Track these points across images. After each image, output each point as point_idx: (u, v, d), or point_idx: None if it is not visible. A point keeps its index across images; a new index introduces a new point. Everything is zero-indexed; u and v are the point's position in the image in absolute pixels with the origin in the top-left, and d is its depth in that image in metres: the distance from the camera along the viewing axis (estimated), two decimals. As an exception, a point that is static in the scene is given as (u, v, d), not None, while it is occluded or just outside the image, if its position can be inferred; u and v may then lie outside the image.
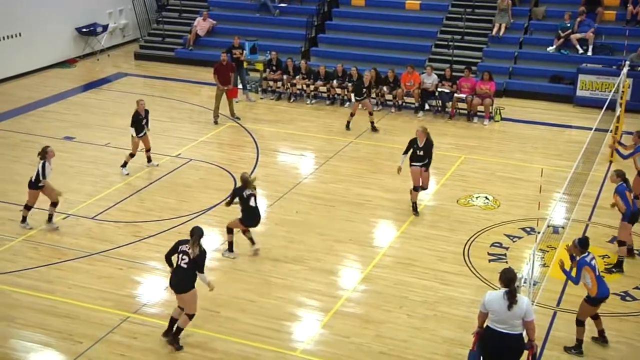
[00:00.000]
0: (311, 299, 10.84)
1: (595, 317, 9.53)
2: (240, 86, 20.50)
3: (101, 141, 16.98)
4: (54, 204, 12.82)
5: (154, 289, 11.06)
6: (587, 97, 19.40)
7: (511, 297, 7.77)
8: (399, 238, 12.64)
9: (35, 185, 12.60)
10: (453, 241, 12.37)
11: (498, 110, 18.85)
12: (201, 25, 24.20)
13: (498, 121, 18.70)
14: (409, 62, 20.15)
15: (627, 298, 10.67)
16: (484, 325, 8.09)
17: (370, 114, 17.88)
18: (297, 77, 20.60)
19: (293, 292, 11.02)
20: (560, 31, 20.99)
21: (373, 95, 19.72)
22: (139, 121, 15.07)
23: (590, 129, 13.80)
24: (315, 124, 18.71)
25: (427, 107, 19.51)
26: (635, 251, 11.94)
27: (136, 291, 11.08)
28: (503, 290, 7.88)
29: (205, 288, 9.63)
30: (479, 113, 18.91)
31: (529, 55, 21.52)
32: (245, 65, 21.10)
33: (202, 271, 9.37)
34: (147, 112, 15.19)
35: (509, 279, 7.85)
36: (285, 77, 20.63)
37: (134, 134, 15.05)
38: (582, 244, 9.34)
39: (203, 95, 20.77)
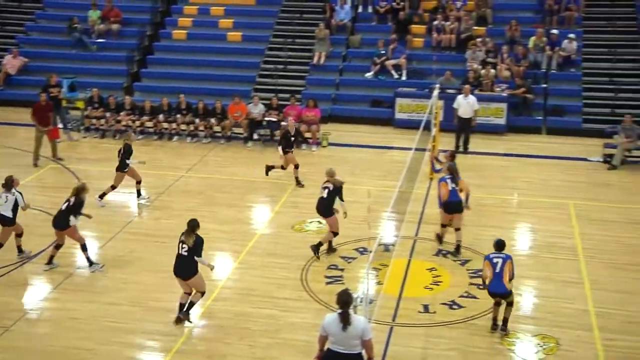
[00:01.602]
0: (151, 340, 10.48)
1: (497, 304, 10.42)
2: (60, 125, 19.59)
3: None
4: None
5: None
6: (405, 119, 20.55)
7: (344, 319, 7.97)
8: (237, 269, 12.59)
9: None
10: (291, 267, 12.51)
11: (325, 136, 19.45)
12: (11, 63, 22.95)
13: (325, 146, 19.29)
14: (235, 93, 20.33)
15: (454, 306, 11.32)
16: (325, 348, 8.24)
17: (297, 167, 16.42)
18: (122, 113, 20.05)
19: (132, 335, 10.59)
20: (376, 58, 22.13)
21: (202, 128, 19.65)
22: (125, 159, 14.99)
23: (410, 149, 14.60)
24: (143, 160, 18.22)
25: (255, 136, 19.72)
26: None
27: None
28: (338, 312, 8.08)
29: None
30: (307, 139, 19.38)
31: (349, 81, 22.47)
32: (64, 103, 20.23)
33: (200, 255, 10.51)
34: None
35: (344, 301, 8.06)
36: (108, 114, 20.01)
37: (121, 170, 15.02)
38: (497, 244, 10.52)
39: (20, 137, 19.59)
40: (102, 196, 15.18)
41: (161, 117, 19.90)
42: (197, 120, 19.79)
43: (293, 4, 24.63)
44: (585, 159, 18.25)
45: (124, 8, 24.77)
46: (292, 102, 19.75)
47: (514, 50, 21.53)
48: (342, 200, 12.79)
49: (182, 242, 10.53)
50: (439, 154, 16.62)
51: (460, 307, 11.27)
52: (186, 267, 10.55)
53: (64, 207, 12.28)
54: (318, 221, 14.38)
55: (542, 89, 20.95)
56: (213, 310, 11.27)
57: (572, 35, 21.51)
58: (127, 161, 15.13)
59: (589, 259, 12.77)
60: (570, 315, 10.95)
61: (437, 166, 15.10)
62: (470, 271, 12.37)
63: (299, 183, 16.16)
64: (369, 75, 22.27)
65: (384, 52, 22.14)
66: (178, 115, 19.85)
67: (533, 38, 21.66)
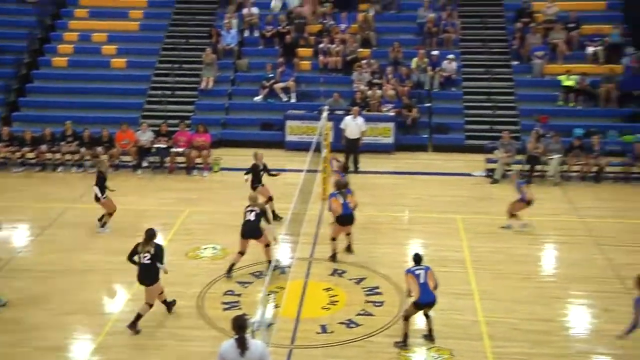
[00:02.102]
0: (40, 382, 10.00)
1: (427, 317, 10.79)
2: None
3: None
4: None
5: None
6: (295, 142, 20.72)
7: (241, 345, 7.90)
8: (131, 301, 12.21)
9: None
10: (187, 296, 12.27)
11: (216, 161, 19.30)
12: None
13: (217, 172, 19.14)
14: (122, 121, 19.87)
15: (352, 325, 11.45)
16: (225, 376, 8.12)
17: (271, 199, 15.61)
18: (0, 144, 19.13)
19: (18, 379, 10.06)
20: (264, 81, 22.25)
21: (88, 157, 19.07)
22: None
23: (302, 170, 14.72)
24: (26, 192, 17.50)
25: (145, 164, 19.33)
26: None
27: None
28: (234, 338, 8.00)
29: None
30: (197, 165, 19.19)
31: (238, 105, 22.47)
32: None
33: (162, 262, 11.12)
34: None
35: (239, 326, 7.99)
36: (-14, 146, 19.08)
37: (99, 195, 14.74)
38: (414, 258, 10.85)
39: None
40: (103, 225, 14.99)
41: (44, 147, 19.13)
42: (82, 150, 19.17)
43: (179, 29, 24.42)
44: (469, 174, 19.03)
45: (-1, 35, 23.79)
46: (182, 127, 19.51)
47: (398, 71, 22.23)
48: (269, 223, 13.08)
49: (142, 252, 11.06)
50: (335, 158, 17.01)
51: (357, 325, 11.41)
52: (150, 274, 11.10)
53: None
54: (212, 247, 14.22)
55: (426, 107, 21.72)
56: (107, 344, 10.88)
57: (451, 56, 22.48)
58: (104, 190, 14.91)
59: (477, 271, 13.27)
60: (462, 327, 11.33)
61: (335, 166, 15.86)
62: (366, 289, 12.57)
63: (276, 217, 15.20)
64: (258, 98, 22.34)
65: (272, 75, 22.30)
66: (62, 143, 19.15)
67: (415, 59, 22.46)
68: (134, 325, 11.07)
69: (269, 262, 12.67)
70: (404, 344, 10.66)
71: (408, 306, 10.78)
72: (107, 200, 14.98)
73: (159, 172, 19.16)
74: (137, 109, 22.12)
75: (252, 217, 12.99)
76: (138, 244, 11.18)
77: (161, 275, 11.27)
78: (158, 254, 11.14)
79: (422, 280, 10.54)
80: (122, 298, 12.37)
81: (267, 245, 12.94)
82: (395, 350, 10.60)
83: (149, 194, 17.60)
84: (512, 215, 15.01)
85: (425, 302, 10.55)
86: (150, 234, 11.15)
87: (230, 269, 12.91)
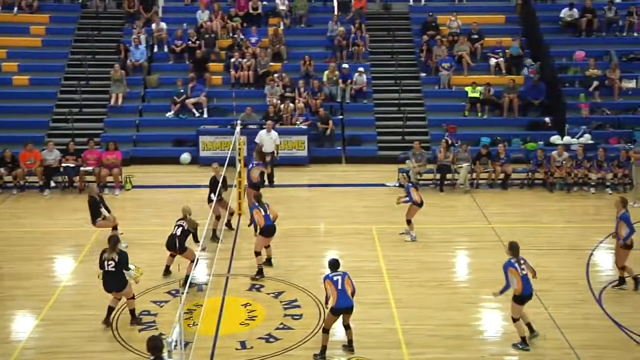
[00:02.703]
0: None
1: (347, 328, 10.87)
2: None
3: None
4: None
5: None
6: (210, 157, 20.46)
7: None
8: (39, 326, 11.75)
9: None
10: (100, 318, 11.87)
11: (128, 179, 18.88)
12: None
13: (129, 189, 18.72)
14: (26, 140, 19.15)
15: (271, 339, 11.39)
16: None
17: (231, 214, 15.66)
18: None
19: None
20: (175, 97, 21.97)
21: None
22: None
23: (216, 185, 14.56)
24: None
25: (53, 184, 18.69)
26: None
27: None
28: (150, 359, 7.83)
29: None
30: (108, 184, 18.71)
31: (149, 122, 22.09)
32: None
33: (127, 269, 11.32)
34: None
35: (154, 347, 7.83)
36: None
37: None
38: (330, 264, 10.90)
39: None
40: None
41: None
42: (-17, 171, 18.36)
43: (84, 45, 23.79)
44: (383, 185, 19.34)
45: None
46: (91, 145, 18.99)
47: (310, 84, 22.41)
48: (196, 241, 12.93)
49: (106, 259, 11.21)
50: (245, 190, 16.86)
51: (276, 339, 11.36)
52: (116, 281, 11.33)
53: None
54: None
55: (338, 120, 21.96)
56: (15, 374, 10.41)
57: (361, 69, 22.85)
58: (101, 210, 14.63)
59: (392, 280, 13.48)
60: (379, 336, 11.46)
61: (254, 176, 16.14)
62: (284, 302, 12.55)
63: (230, 227, 15.72)
64: (169, 114, 22.02)
65: (183, 90, 22.04)
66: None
67: (326, 72, 22.71)
68: (135, 319, 11.66)
69: (187, 277, 12.46)
70: (322, 356, 10.68)
71: (327, 316, 10.81)
72: (102, 222, 14.71)
73: (68, 192, 18.56)
74: (43, 128, 21.38)
75: (178, 232, 13.06)
76: (104, 251, 11.36)
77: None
78: (122, 260, 11.31)
79: (339, 287, 10.59)
80: (30, 324, 11.87)
81: (192, 261, 12.71)
82: (316, 362, 10.62)
83: (58, 215, 17.01)
84: (409, 221, 15.29)
85: (342, 307, 10.59)
86: (115, 241, 11.38)
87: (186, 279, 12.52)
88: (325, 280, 10.76)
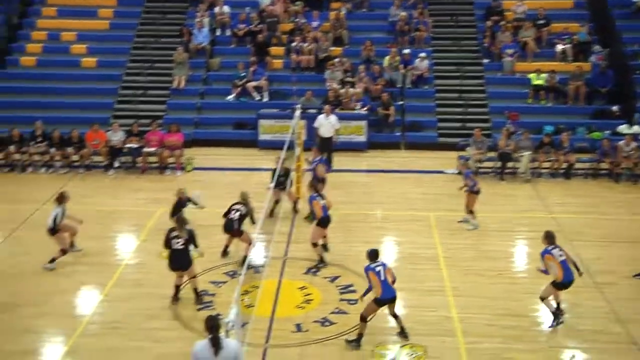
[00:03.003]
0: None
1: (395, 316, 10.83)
2: None
3: None
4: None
5: None
6: (269, 140, 20.69)
7: (215, 344, 7.88)
8: (103, 302, 12.12)
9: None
10: (160, 296, 12.18)
11: (189, 161, 19.20)
12: None
13: (190, 171, 19.03)
14: (93, 121, 19.68)
15: (326, 323, 11.47)
16: (199, 376, 8.09)
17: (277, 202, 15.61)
18: (-33, 145, 18.86)
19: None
20: (236, 80, 22.17)
21: (58, 157, 18.88)
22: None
23: (275, 169, 14.69)
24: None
25: (117, 164, 19.15)
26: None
27: None
28: (208, 338, 7.97)
29: None
30: (170, 165, 19.07)
31: (211, 105, 22.36)
32: None
33: (197, 245, 11.67)
34: None
35: (211, 326, 7.97)
36: (-47, 147, 18.78)
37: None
38: (370, 254, 10.71)
39: None
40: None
41: (12, 148, 18.87)
42: (52, 150, 18.94)
43: (149, 28, 24.22)
44: (441, 172, 19.15)
45: (-35, 35, 23.43)
46: (154, 127, 19.38)
47: (370, 70, 22.29)
48: (253, 222, 13.25)
49: (176, 236, 11.41)
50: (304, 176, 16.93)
51: (332, 323, 11.43)
52: (184, 259, 11.50)
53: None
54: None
55: (398, 106, 21.81)
56: (79, 346, 10.78)
57: (423, 54, 22.58)
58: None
59: (449, 267, 13.37)
60: (435, 323, 11.40)
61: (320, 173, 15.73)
62: (340, 287, 12.60)
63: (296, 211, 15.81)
64: (230, 98, 22.26)
65: (244, 74, 22.22)
66: (31, 144, 18.90)
67: (387, 57, 22.54)
68: (199, 297, 11.91)
69: (244, 259, 12.59)
70: (357, 343, 10.59)
71: (368, 305, 10.66)
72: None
73: (131, 172, 19.00)
74: (108, 109, 21.91)
75: (236, 216, 13.19)
76: (171, 230, 11.58)
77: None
78: (191, 238, 11.55)
79: (382, 278, 10.51)
80: (94, 300, 12.24)
81: (249, 244, 12.83)
82: (370, 347, 10.64)
83: (121, 194, 17.45)
84: (470, 210, 15.10)
85: (387, 298, 10.54)
86: (183, 219, 11.69)
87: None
88: (368, 271, 10.60)
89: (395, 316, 10.84)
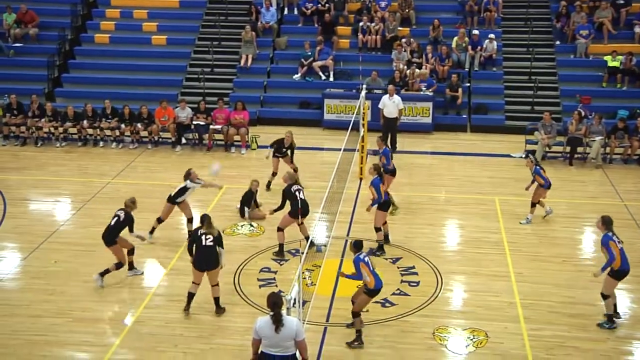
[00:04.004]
0: (80, 352, 10.25)
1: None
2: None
3: None
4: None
5: None
6: (333, 120, 20.68)
7: (276, 321, 7.96)
8: (168, 275, 12.42)
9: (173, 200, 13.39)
10: (223, 271, 12.35)
11: (254, 139, 19.37)
12: None
13: (255, 149, 19.22)
14: (161, 98, 20.05)
15: (387, 304, 11.46)
16: (259, 352, 8.20)
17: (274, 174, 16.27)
18: (43, 119, 19.48)
19: (58, 348, 10.31)
20: (303, 60, 22.19)
21: (128, 133, 19.34)
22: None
23: (340, 149, 14.70)
24: (67, 167, 17.85)
25: (184, 140, 19.49)
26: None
27: None
28: (269, 314, 8.07)
29: None
30: (235, 143, 19.30)
31: (277, 83, 22.46)
32: (-19, 110, 19.53)
33: (222, 247, 10.98)
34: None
35: (273, 303, 8.05)
36: (29, 120, 19.42)
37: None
38: (356, 245, 10.27)
39: None
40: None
41: (85, 123, 19.43)
42: (123, 126, 19.42)
43: (218, 6, 24.44)
44: (508, 155, 18.79)
45: (43, 12, 24.09)
46: (220, 105, 19.61)
47: (437, 50, 21.97)
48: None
49: (205, 233, 10.82)
50: (367, 156, 16.84)
51: (392, 304, 11.42)
52: (213, 257, 10.88)
53: (112, 222, 11.90)
54: (249, 224, 14.32)
55: (465, 87, 21.45)
56: (144, 318, 11.08)
57: (492, 36, 22.11)
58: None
59: (514, 253, 13.15)
60: (497, 308, 11.26)
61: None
62: (402, 268, 12.56)
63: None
64: (296, 77, 22.31)
65: (310, 53, 22.23)
66: (103, 120, 19.44)
67: (455, 38, 22.16)
68: (219, 308, 11.10)
69: (306, 238, 12.66)
70: (359, 342, 10.23)
71: (359, 299, 10.32)
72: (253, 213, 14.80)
73: (198, 149, 19.32)
74: (177, 86, 22.28)
75: (303, 196, 12.91)
76: (197, 229, 11.03)
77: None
78: (220, 238, 10.99)
79: (371, 267, 10.17)
80: (160, 272, 12.55)
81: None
82: (430, 330, 10.59)
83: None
84: (538, 202, 14.57)
85: (379, 287, 10.18)
86: (209, 218, 10.97)
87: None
88: (358, 262, 10.12)
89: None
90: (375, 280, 10.11)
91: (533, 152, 17.86)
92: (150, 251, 13.25)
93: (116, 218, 11.93)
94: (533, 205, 14.59)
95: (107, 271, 11.84)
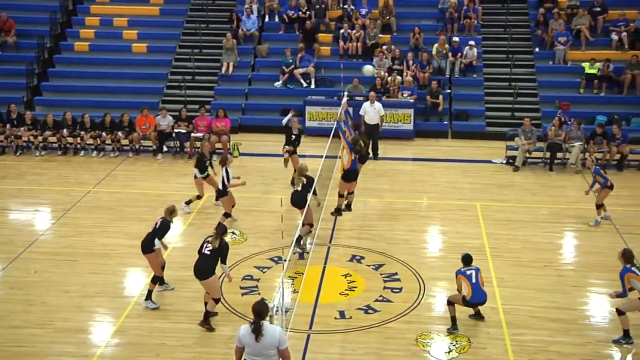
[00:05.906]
0: (61, 364, 10.14)
1: None
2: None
3: None
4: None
5: None
6: (315, 127, 20.70)
7: (255, 330, 7.92)
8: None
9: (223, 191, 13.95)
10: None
11: (236, 146, 19.34)
12: None
13: (237, 157, 19.15)
14: (142, 106, 19.97)
15: (370, 311, 11.46)
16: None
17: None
18: (22, 128, 19.32)
19: (39, 359, 10.19)
20: (284, 67, 22.21)
21: (109, 141, 19.23)
22: (203, 162, 15.09)
23: (322, 156, 14.71)
24: (47, 176, 17.71)
25: (165, 149, 19.42)
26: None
27: None
28: (249, 323, 8.03)
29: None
30: (217, 151, 19.23)
31: (258, 91, 22.46)
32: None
33: (224, 262, 10.60)
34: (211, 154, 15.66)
35: (256, 311, 8.02)
36: (8, 129, 19.25)
37: (198, 175, 15.10)
38: (466, 259, 10.91)
39: None
40: (188, 202, 15.33)
41: (65, 131, 19.29)
42: (103, 134, 19.30)
43: (198, 14, 24.41)
44: (489, 161, 18.91)
45: (21, 20, 23.93)
46: (202, 112, 19.56)
47: (418, 57, 22.08)
48: (315, 194, 13.32)
49: (208, 242, 10.72)
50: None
51: (375, 311, 11.43)
52: (204, 267, 10.57)
53: (151, 229, 11.74)
54: (232, 232, 14.27)
55: (446, 94, 21.57)
56: (126, 327, 10.99)
57: (472, 42, 22.26)
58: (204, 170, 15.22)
59: (495, 258, 13.22)
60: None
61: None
62: (384, 275, 12.58)
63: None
64: (277, 84, 22.33)
65: (291, 61, 22.25)
66: (82, 133, 19.30)
67: (436, 45, 22.30)
68: (205, 322, 10.81)
69: (299, 238, 12.69)
70: (454, 327, 10.74)
71: (455, 296, 10.77)
72: (199, 180, 15.31)
73: (179, 156, 19.25)
74: (158, 94, 22.22)
75: (299, 187, 13.25)
76: (208, 237, 10.81)
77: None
78: (221, 250, 10.57)
79: (473, 281, 10.60)
80: (141, 282, 12.47)
81: (310, 225, 12.95)
82: (413, 336, 10.61)
83: (169, 178, 17.70)
84: (601, 205, 14.73)
85: (477, 301, 10.70)
86: (223, 231, 10.83)
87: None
88: (458, 274, 10.74)
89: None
90: (474, 292, 10.59)
91: (514, 157, 18.01)
92: (130, 259, 13.15)
93: (154, 225, 11.79)
94: (598, 207, 14.71)
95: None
